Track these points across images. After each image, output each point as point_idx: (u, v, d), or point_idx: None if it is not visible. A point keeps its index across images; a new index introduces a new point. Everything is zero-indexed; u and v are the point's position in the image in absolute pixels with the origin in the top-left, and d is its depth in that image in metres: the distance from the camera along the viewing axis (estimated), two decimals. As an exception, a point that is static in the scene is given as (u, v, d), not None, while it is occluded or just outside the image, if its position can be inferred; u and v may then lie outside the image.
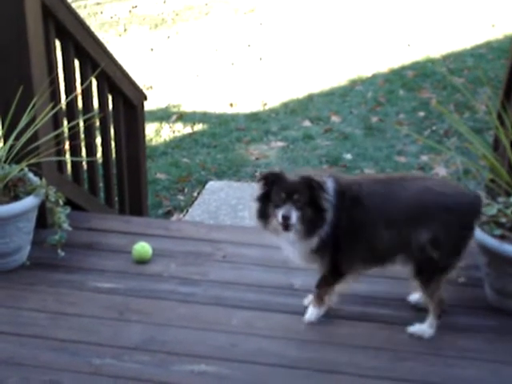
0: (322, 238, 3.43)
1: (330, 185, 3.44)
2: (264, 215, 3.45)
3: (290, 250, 3.57)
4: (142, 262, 4.29)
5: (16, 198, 4.11)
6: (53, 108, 4.42)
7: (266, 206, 3.43)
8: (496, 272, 3.75)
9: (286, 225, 3.32)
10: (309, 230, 3.41)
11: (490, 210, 3.77)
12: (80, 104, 5.07)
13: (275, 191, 3.38)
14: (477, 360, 3.49)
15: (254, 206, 3.49)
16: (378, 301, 3.92)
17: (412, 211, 3.45)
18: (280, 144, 8.23)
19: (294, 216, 3.31)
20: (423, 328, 3.64)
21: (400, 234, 3.45)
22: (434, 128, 8.38)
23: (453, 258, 3.53)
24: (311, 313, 3.71)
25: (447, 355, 3.52)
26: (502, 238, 3.67)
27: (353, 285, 3.69)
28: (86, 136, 5.10)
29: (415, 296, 3.84)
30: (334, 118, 8.86)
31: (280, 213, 3.32)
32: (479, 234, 3.68)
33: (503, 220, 3.75)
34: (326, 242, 3.45)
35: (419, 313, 3.74)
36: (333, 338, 3.63)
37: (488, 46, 11.12)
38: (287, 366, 3.45)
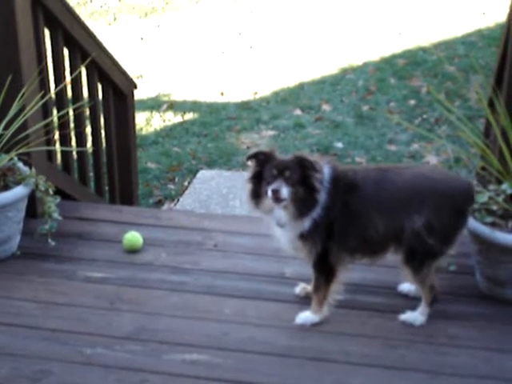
0: (316, 220, 3.43)
1: (326, 171, 3.44)
2: (256, 195, 3.45)
3: (281, 235, 3.56)
4: (132, 251, 4.28)
5: (5, 187, 4.10)
6: (42, 97, 4.40)
7: (258, 186, 3.44)
8: (487, 260, 3.75)
9: (277, 198, 3.30)
10: (300, 210, 3.40)
11: (481, 197, 3.77)
12: (70, 93, 5.05)
13: (267, 169, 3.39)
14: (468, 348, 3.50)
15: (247, 187, 3.50)
16: (369, 289, 3.93)
17: (406, 196, 3.46)
18: (271, 133, 8.22)
19: (285, 190, 3.31)
20: (414, 315, 3.64)
21: (394, 220, 3.45)
22: (424, 116, 8.39)
23: (445, 244, 3.53)
24: (306, 318, 3.66)
25: (438, 343, 3.53)
26: (493, 225, 3.68)
27: (344, 273, 3.68)
28: (75, 125, 5.08)
29: (406, 285, 3.85)
30: (325, 107, 8.85)
31: (270, 187, 3.31)
32: (470, 221, 3.68)
33: (494, 207, 3.75)
34: (318, 226, 3.44)
35: (410, 301, 3.75)
36: (324, 326, 3.63)
37: (479, 33, 11.11)
38: (279, 355, 3.45)
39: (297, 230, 3.48)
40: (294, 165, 3.37)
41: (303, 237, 3.49)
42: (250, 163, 3.51)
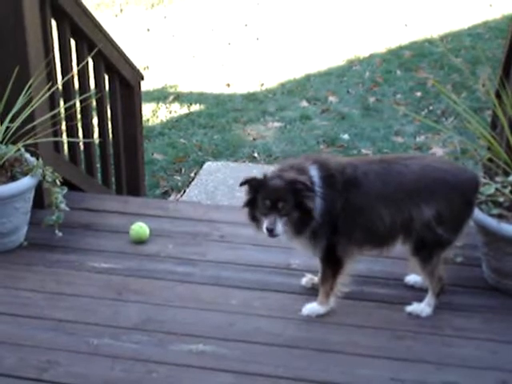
0: (314, 227, 3.42)
1: (313, 173, 3.42)
2: (254, 218, 3.45)
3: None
4: (139, 242, 4.29)
5: (13, 178, 4.11)
6: (49, 89, 4.40)
7: (254, 210, 3.42)
8: (494, 251, 3.75)
9: (271, 235, 3.33)
10: (298, 230, 3.41)
11: (488, 189, 3.77)
12: (76, 84, 5.05)
13: (260, 199, 3.35)
14: (474, 339, 3.50)
15: (244, 211, 3.48)
16: (376, 280, 3.93)
17: (415, 187, 3.44)
18: (277, 124, 8.22)
19: (279, 226, 3.31)
20: (421, 307, 3.65)
21: (402, 212, 3.44)
22: (431, 108, 8.38)
23: (454, 234, 3.53)
24: (312, 310, 3.66)
25: (445, 334, 3.53)
26: (499, 217, 3.67)
27: (352, 265, 3.68)
28: (82, 116, 5.09)
29: (412, 277, 3.85)
30: (332, 98, 8.85)
31: (264, 225, 3.32)
32: (477, 213, 3.68)
33: (501, 199, 3.75)
34: (320, 226, 3.43)
35: (417, 292, 3.76)
36: (331, 317, 3.64)
37: (485, 25, 11.09)
38: (285, 346, 3.45)
39: (300, 239, 3.50)
40: (286, 192, 3.31)
41: (307, 240, 3.51)
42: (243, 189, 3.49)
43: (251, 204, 3.43)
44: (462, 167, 3.75)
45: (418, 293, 3.74)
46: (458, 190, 3.48)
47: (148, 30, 11.53)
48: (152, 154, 7.45)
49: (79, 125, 5.08)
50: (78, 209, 4.60)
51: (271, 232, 3.31)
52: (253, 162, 7.25)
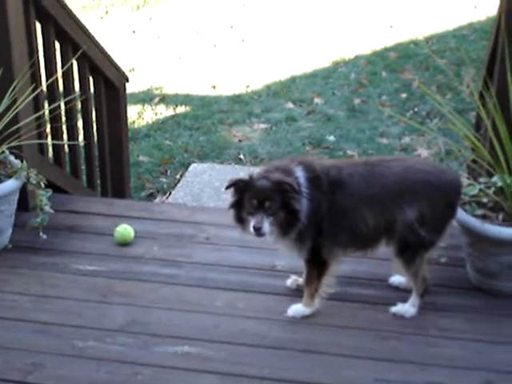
0: (300, 229, 3.43)
1: (299, 174, 3.43)
2: (241, 220, 3.45)
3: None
4: (124, 244, 4.28)
5: (-3, 180, 4.10)
6: (33, 90, 4.39)
7: (241, 212, 3.42)
8: (478, 252, 3.76)
9: (259, 234, 3.33)
10: (284, 231, 3.42)
11: (472, 190, 3.79)
12: (61, 86, 5.04)
13: (247, 199, 3.36)
14: (458, 339, 3.52)
15: (230, 212, 3.48)
16: (360, 281, 3.93)
17: (397, 189, 3.46)
18: (263, 126, 8.22)
19: (266, 225, 3.31)
20: (405, 307, 3.66)
21: (385, 214, 3.46)
22: (416, 109, 8.40)
23: (437, 235, 3.55)
24: (298, 311, 3.66)
25: (429, 335, 3.54)
26: (483, 217, 3.69)
27: (336, 267, 3.68)
28: (67, 118, 5.07)
29: (396, 278, 3.86)
30: (317, 100, 8.86)
31: (251, 223, 3.33)
32: (461, 214, 3.69)
33: (485, 200, 3.77)
34: (305, 228, 3.44)
35: (401, 293, 3.76)
36: (315, 318, 3.64)
37: (470, 27, 11.13)
38: (270, 347, 3.46)
39: (286, 241, 3.51)
40: (272, 192, 3.32)
41: (293, 242, 3.51)
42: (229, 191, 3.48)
43: (237, 205, 3.43)
44: (445, 169, 3.78)
45: (403, 293, 3.75)
46: (441, 191, 3.50)
47: (133, 31, 11.52)
48: (137, 156, 7.44)
49: (64, 127, 5.06)
50: (63, 211, 4.58)
51: (258, 231, 3.31)
52: (239, 164, 7.25)
